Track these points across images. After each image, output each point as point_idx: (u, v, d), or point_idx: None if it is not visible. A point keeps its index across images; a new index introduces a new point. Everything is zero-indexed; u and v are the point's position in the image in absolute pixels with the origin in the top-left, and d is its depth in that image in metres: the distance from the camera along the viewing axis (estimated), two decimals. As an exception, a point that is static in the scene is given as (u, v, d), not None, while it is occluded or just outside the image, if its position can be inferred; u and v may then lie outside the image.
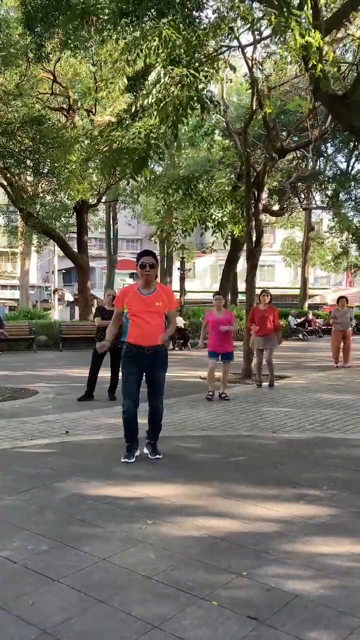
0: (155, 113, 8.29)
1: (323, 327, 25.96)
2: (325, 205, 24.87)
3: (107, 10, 6.80)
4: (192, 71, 6.81)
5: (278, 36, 7.34)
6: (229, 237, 13.22)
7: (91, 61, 16.63)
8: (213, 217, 11.53)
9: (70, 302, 45.06)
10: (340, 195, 21.86)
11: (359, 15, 11.03)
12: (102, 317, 8.07)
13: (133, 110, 9.20)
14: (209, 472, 4.55)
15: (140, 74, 11.60)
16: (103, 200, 24.30)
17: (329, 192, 22.52)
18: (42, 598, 2.57)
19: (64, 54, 13.28)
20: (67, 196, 19.13)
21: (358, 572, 2.85)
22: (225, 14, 7.56)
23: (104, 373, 8.17)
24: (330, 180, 21.46)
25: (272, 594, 2.63)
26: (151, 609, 2.48)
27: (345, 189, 21.04)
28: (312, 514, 3.65)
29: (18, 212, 21.71)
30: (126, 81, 10.02)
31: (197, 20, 7.68)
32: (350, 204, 22.86)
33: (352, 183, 20.84)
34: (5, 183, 18.84)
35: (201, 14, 7.58)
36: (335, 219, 23.90)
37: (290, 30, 7.00)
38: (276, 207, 21.59)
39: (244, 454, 5.15)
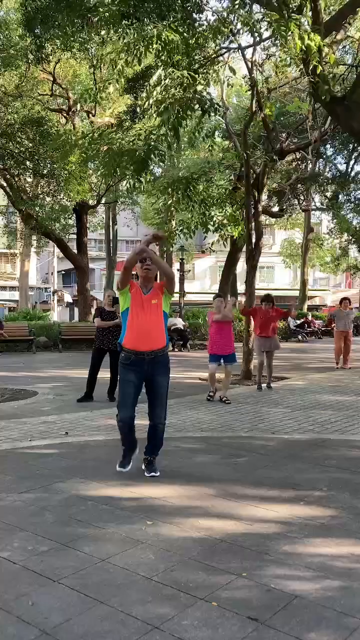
0: (155, 115, 8.31)
1: (322, 329, 25.98)
2: (324, 207, 24.90)
3: (107, 14, 6.80)
4: (191, 73, 6.81)
5: (278, 39, 7.34)
6: (229, 238, 13.22)
7: (91, 62, 16.66)
8: (214, 219, 11.52)
9: (69, 304, 45.07)
10: (340, 196, 21.90)
11: (358, 17, 11.06)
12: (102, 318, 8.07)
13: (133, 112, 9.21)
14: (209, 473, 4.55)
15: (140, 76, 11.64)
16: (102, 201, 24.31)
17: (328, 194, 22.56)
18: (42, 599, 2.57)
19: (64, 55, 13.30)
20: (66, 197, 19.13)
21: (358, 573, 2.85)
22: (225, 16, 7.55)
23: (104, 374, 8.16)
24: (330, 181, 21.48)
25: (272, 595, 2.62)
26: (151, 609, 2.48)
27: (345, 190, 21.06)
28: (312, 515, 3.65)
29: (17, 213, 21.73)
30: (123, 81, 10.03)
31: (197, 23, 7.68)
32: (349, 206, 22.88)
33: (352, 185, 20.86)
34: (4, 184, 18.85)
35: (200, 16, 7.57)
36: (335, 221, 23.92)
37: (290, 33, 7.01)
38: (276, 209, 21.61)
39: (244, 455, 5.14)
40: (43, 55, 11.49)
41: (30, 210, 18.53)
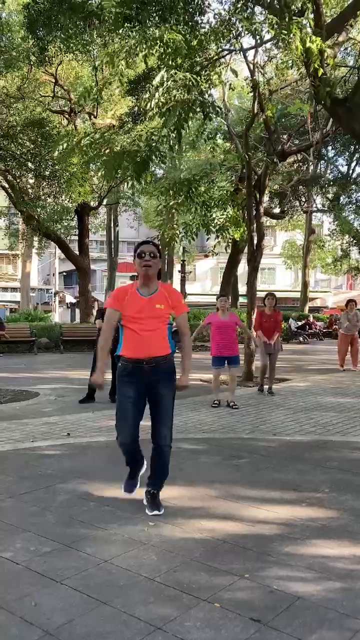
0: (157, 116, 8.33)
1: (324, 330, 25.98)
2: (326, 208, 24.91)
3: (110, 18, 6.82)
4: (194, 75, 6.83)
5: (279, 41, 7.36)
6: (230, 241, 13.25)
7: (93, 64, 16.69)
8: (215, 221, 11.53)
9: (71, 305, 45.12)
10: (341, 198, 21.91)
11: (360, 19, 11.06)
12: (103, 320, 8.07)
13: (135, 113, 9.24)
14: (211, 475, 4.55)
15: (142, 78, 11.66)
16: (104, 202, 24.34)
17: (329, 195, 22.57)
18: (45, 599, 2.58)
19: (66, 57, 13.33)
20: (68, 199, 19.16)
21: (360, 575, 2.86)
22: (227, 18, 7.58)
23: (105, 375, 8.15)
24: (331, 183, 21.51)
25: (274, 596, 2.63)
26: (154, 610, 2.49)
27: (346, 192, 21.08)
28: (313, 516, 3.66)
29: (19, 215, 21.76)
30: (124, 83, 10.06)
31: (199, 25, 7.70)
32: (350, 207, 22.90)
33: (353, 186, 20.87)
34: (6, 185, 18.88)
35: (202, 18, 7.60)
36: (336, 222, 23.93)
37: (291, 36, 7.02)
38: (277, 210, 21.64)
39: (245, 457, 5.15)
40: (45, 58, 11.51)
41: (32, 212, 18.56)
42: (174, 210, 12.10)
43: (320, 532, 3.41)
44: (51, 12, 9.56)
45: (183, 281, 23.64)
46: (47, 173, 18.08)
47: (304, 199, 23.89)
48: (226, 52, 9.81)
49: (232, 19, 7.48)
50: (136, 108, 12.59)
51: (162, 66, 7.44)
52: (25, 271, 37.96)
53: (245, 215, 11.30)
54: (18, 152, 16.78)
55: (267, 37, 9.55)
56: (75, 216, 21.80)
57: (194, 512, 3.70)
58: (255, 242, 11.05)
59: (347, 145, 19.06)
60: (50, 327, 19.35)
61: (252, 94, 10.78)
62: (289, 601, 2.59)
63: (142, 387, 3.68)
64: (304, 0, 7.64)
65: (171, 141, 8.51)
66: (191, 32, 7.68)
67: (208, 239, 12.88)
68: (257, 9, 8.71)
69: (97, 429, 6.30)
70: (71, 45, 8.82)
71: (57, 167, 16.85)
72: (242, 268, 19.83)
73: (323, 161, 20.72)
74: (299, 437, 6.00)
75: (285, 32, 7.33)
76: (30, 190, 19.37)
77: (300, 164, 20.17)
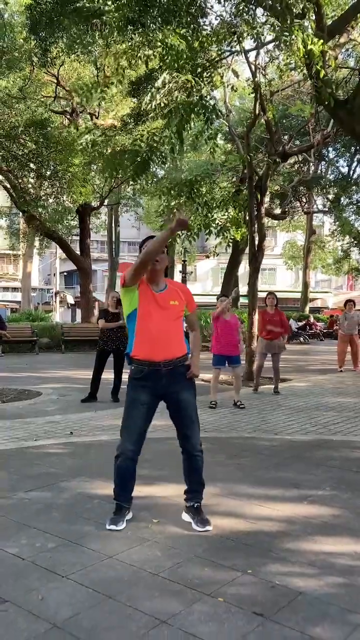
0: (159, 118, 8.39)
1: (324, 331, 26.03)
2: (326, 209, 24.97)
3: (113, 21, 6.86)
4: (195, 78, 6.88)
5: (281, 43, 7.41)
6: (231, 241, 13.29)
7: (95, 65, 16.74)
8: (216, 221, 11.57)
9: (71, 305, 45.18)
10: (342, 199, 21.96)
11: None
12: (105, 320, 8.12)
13: (136, 114, 9.29)
14: (213, 473, 4.58)
15: (143, 79, 11.71)
16: (105, 203, 24.39)
17: (330, 196, 22.63)
18: (51, 594, 2.62)
19: (69, 57, 13.37)
20: (69, 199, 19.21)
21: (361, 571, 2.90)
22: (229, 21, 7.63)
23: (108, 375, 8.22)
24: (332, 184, 21.57)
25: (276, 591, 2.67)
26: (158, 604, 2.53)
27: (347, 193, 21.13)
28: (315, 514, 3.70)
29: (20, 215, 21.81)
30: (127, 84, 10.12)
31: (201, 27, 7.75)
32: (351, 208, 22.95)
33: (354, 187, 20.92)
34: (8, 186, 18.93)
35: (205, 20, 7.65)
36: (337, 223, 23.97)
37: (293, 38, 7.07)
38: (278, 211, 21.68)
39: (247, 455, 5.19)
40: (49, 59, 11.55)
41: (33, 212, 18.61)
42: (175, 211, 12.15)
43: (321, 529, 3.46)
44: (53, 13, 9.60)
45: (184, 281, 23.68)
46: (48, 173, 18.13)
47: (304, 200, 23.95)
48: (228, 53, 9.87)
49: (234, 20, 7.54)
50: (138, 109, 12.62)
51: (164, 67, 7.50)
52: (26, 271, 37.98)
53: (246, 216, 11.35)
54: (20, 153, 16.82)
55: (269, 38, 9.62)
56: (77, 216, 21.86)
57: (196, 510, 3.73)
58: (256, 242, 11.10)
59: (348, 147, 19.12)
60: (52, 327, 19.41)
61: (253, 95, 10.84)
62: (291, 596, 2.63)
63: (158, 392, 3.48)
64: (305, 3, 7.67)
65: (173, 143, 8.55)
66: (193, 34, 7.73)
67: (207, 239, 12.92)
68: (259, 10, 8.77)
69: (100, 427, 6.34)
70: (74, 46, 8.85)
71: (59, 167, 16.90)
72: (243, 268, 19.88)
73: (324, 162, 20.77)
74: (300, 437, 6.04)
75: (287, 34, 7.38)
76: (31, 191, 19.42)
77: (301, 164, 20.22)
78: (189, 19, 7.44)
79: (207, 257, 12.94)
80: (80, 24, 7.65)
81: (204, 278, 46.24)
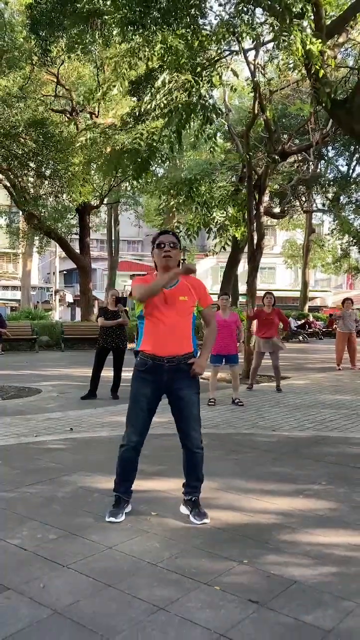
0: (159, 117, 8.45)
1: (323, 330, 26.11)
2: (326, 208, 25.02)
3: (113, 22, 6.93)
4: (195, 77, 6.94)
5: (280, 43, 7.47)
6: (229, 240, 13.35)
7: (95, 63, 16.81)
8: (216, 220, 11.64)
9: (71, 303, 45.26)
10: (341, 198, 22.02)
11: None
12: (105, 318, 8.19)
13: (136, 113, 9.35)
14: (211, 468, 4.63)
15: (143, 78, 11.76)
16: (105, 201, 24.44)
17: (329, 195, 22.67)
18: (52, 582, 2.69)
19: (69, 57, 13.42)
20: (69, 198, 19.28)
21: (355, 561, 2.97)
22: (228, 21, 7.68)
23: (107, 372, 8.29)
24: (331, 183, 21.63)
25: (272, 580, 2.74)
26: (157, 592, 2.60)
27: (346, 192, 21.20)
28: (311, 507, 3.77)
29: (20, 214, 21.87)
30: (127, 84, 10.18)
31: (200, 27, 7.81)
32: (351, 207, 23.02)
33: (353, 186, 20.98)
34: (8, 184, 18.99)
35: (204, 20, 7.71)
36: (336, 222, 24.03)
37: (292, 38, 7.13)
38: (277, 210, 21.74)
39: (245, 451, 5.26)
40: (48, 58, 11.61)
41: (33, 211, 18.68)
42: (174, 210, 12.22)
43: (317, 521, 3.53)
44: (54, 13, 9.66)
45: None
46: (48, 172, 18.20)
47: (304, 199, 24.00)
48: (227, 52, 9.93)
49: (234, 21, 7.59)
50: (137, 108, 12.69)
51: (164, 67, 7.56)
52: (25, 270, 38.07)
53: (246, 214, 11.41)
54: (20, 152, 16.88)
55: (268, 37, 9.68)
56: (76, 215, 21.93)
57: (194, 503, 3.80)
58: (255, 241, 11.16)
59: (347, 146, 19.17)
60: (51, 326, 19.47)
61: (252, 94, 10.90)
62: (286, 585, 2.70)
63: (161, 387, 3.52)
64: (304, 3, 7.73)
65: (171, 142, 8.62)
66: (193, 34, 7.79)
67: (208, 237, 12.99)
68: (258, 10, 8.83)
69: (100, 424, 6.41)
70: (74, 47, 8.91)
71: (59, 167, 16.96)
72: (242, 267, 19.94)
73: (323, 161, 20.82)
74: (297, 433, 6.12)
75: (286, 34, 7.45)
76: (31, 190, 19.49)
77: (301, 163, 20.27)
78: (188, 20, 7.49)
79: (207, 255, 13.01)
80: (81, 24, 7.70)
81: (204, 277, 46.26)
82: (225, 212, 11.72)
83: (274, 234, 42.17)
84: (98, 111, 19.57)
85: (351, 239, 24.80)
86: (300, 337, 23.71)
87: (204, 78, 8.11)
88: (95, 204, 22.83)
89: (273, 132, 11.95)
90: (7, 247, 32.52)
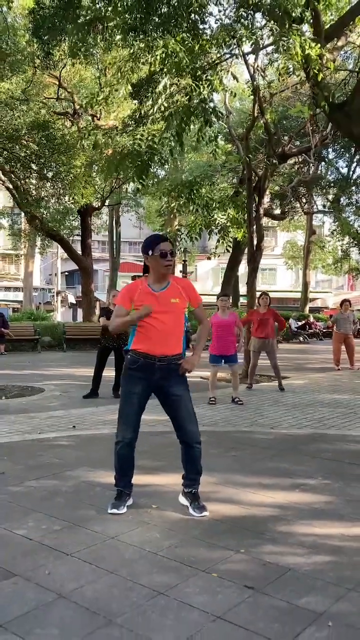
0: (160, 120, 8.58)
1: (324, 330, 26.21)
2: (326, 210, 25.14)
3: (115, 24, 7.06)
4: (195, 82, 7.07)
5: (280, 47, 7.60)
6: (230, 242, 13.47)
7: (96, 66, 16.93)
8: (217, 222, 11.76)
9: (72, 304, 45.38)
10: (342, 199, 22.13)
11: (359, 24, 11.28)
12: (107, 318, 8.31)
13: (137, 116, 9.49)
14: (210, 464, 4.75)
15: (145, 81, 11.89)
16: (106, 203, 24.58)
17: (330, 197, 22.80)
18: (57, 569, 2.81)
19: (71, 61, 13.56)
20: (71, 200, 19.41)
21: (347, 550, 3.09)
22: (229, 25, 7.81)
23: (109, 372, 8.42)
24: (332, 184, 21.75)
25: (267, 568, 2.86)
26: (157, 578, 2.73)
27: (346, 193, 21.31)
28: (307, 501, 3.89)
29: (23, 215, 22.02)
30: (130, 88, 10.30)
31: (201, 31, 7.94)
32: (351, 208, 23.13)
33: (353, 188, 21.10)
34: (11, 186, 19.14)
35: (205, 25, 7.84)
36: (337, 223, 24.15)
37: (291, 42, 7.26)
38: (278, 211, 21.86)
39: (244, 448, 5.38)
40: (51, 62, 11.74)
41: (35, 213, 18.81)
42: (175, 211, 12.35)
43: (312, 514, 3.65)
44: (56, 17, 9.79)
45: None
46: (50, 175, 18.33)
47: (304, 200, 24.12)
48: (227, 55, 10.06)
49: (234, 25, 7.71)
50: (139, 111, 12.84)
51: (165, 71, 7.68)
52: (27, 271, 38.20)
53: (246, 216, 11.54)
54: (22, 154, 17.02)
55: (268, 41, 9.81)
56: (78, 217, 22.07)
57: (194, 497, 3.92)
58: (255, 242, 11.29)
59: (347, 147, 19.29)
60: (54, 326, 19.61)
61: (252, 96, 11.02)
62: (281, 572, 2.82)
63: (151, 385, 3.65)
64: (303, 8, 7.86)
65: (172, 145, 8.74)
66: (193, 38, 7.91)
67: (209, 238, 13.13)
68: (258, 15, 8.95)
69: (102, 422, 6.54)
70: (77, 53, 9.04)
71: (61, 169, 17.10)
72: (243, 268, 20.03)
73: (323, 163, 20.94)
74: (295, 431, 6.23)
75: (285, 38, 7.57)
76: (34, 192, 19.63)
77: (301, 165, 20.39)
78: (188, 24, 7.61)
79: (209, 258, 13.11)
80: (82, 30, 7.83)
81: (205, 278, 46.41)
82: (226, 214, 11.84)
83: (274, 235, 42.30)
84: (100, 114, 19.71)
85: (351, 240, 24.91)
86: (301, 338, 23.83)
87: (204, 82, 8.24)
88: (96, 206, 22.97)
89: (273, 134, 12.08)
90: (9, 248, 32.70)
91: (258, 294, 10.13)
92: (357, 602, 2.53)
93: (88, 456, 4.99)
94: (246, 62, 10.63)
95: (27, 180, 19.27)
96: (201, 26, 7.47)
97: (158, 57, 7.26)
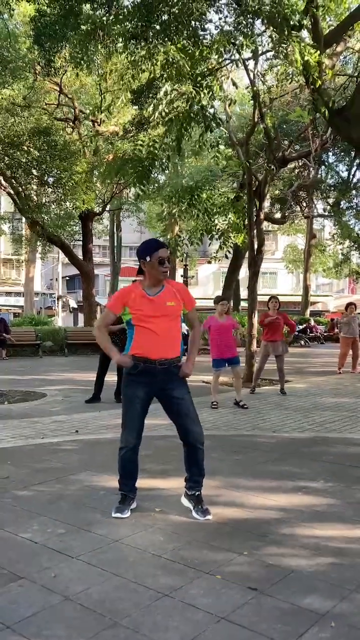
0: (161, 125, 8.65)
1: (324, 334, 26.25)
2: (326, 214, 25.22)
3: (116, 32, 7.13)
4: (196, 88, 7.14)
5: (279, 54, 7.67)
6: (231, 247, 13.54)
7: (97, 72, 17.03)
8: (217, 226, 11.83)
9: (73, 309, 45.45)
10: (342, 203, 22.22)
11: (359, 28, 11.36)
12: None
13: (138, 122, 9.57)
14: (213, 467, 4.79)
15: (145, 87, 11.97)
16: (107, 208, 24.67)
17: (330, 201, 22.89)
18: (63, 572, 2.85)
19: (76, 74, 13.63)
20: (72, 206, 19.50)
21: (349, 552, 3.12)
22: (229, 30, 7.88)
23: (111, 377, 8.45)
24: (332, 188, 21.84)
25: (270, 570, 2.90)
26: (161, 581, 2.76)
27: (346, 197, 21.39)
28: (309, 504, 3.92)
29: (24, 220, 22.11)
30: (129, 95, 10.40)
31: (201, 38, 8.01)
32: (351, 212, 23.22)
33: (353, 192, 21.18)
34: (12, 192, 19.22)
35: (204, 33, 7.91)
36: (337, 227, 24.23)
37: (290, 49, 7.33)
38: (278, 215, 21.94)
39: (246, 452, 5.41)
40: (53, 69, 11.82)
41: (37, 218, 18.89)
42: (176, 217, 12.42)
43: (314, 516, 3.68)
44: (57, 25, 9.87)
45: (185, 285, 23.98)
46: (51, 180, 18.43)
47: (304, 204, 24.20)
48: (228, 61, 10.13)
49: (234, 32, 7.78)
50: (139, 117, 12.93)
51: (166, 78, 7.75)
52: (28, 276, 38.29)
53: (246, 221, 11.59)
54: (24, 160, 17.12)
55: (268, 47, 9.88)
56: (79, 222, 22.16)
57: (197, 500, 3.95)
58: (255, 247, 11.33)
59: (347, 151, 19.37)
60: (55, 331, 19.64)
61: (252, 102, 11.09)
62: (284, 574, 2.85)
63: (152, 389, 3.67)
64: (301, 15, 7.92)
65: (170, 150, 8.81)
66: (194, 45, 7.98)
67: (210, 244, 13.21)
68: (257, 21, 9.02)
69: (104, 426, 6.57)
70: (80, 63, 9.12)
71: (62, 175, 17.19)
72: (244, 272, 20.09)
73: (323, 167, 21.03)
74: (297, 434, 6.26)
75: (285, 45, 7.64)
76: (35, 197, 19.72)
77: (301, 169, 20.49)
78: (189, 31, 7.68)
79: (209, 262, 13.16)
80: (85, 41, 7.90)
81: (205, 282, 46.50)
82: (226, 219, 11.90)
83: (275, 239, 42.38)
84: (100, 119, 19.82)
85: (352, 243, 24.99)
86: (302, 342, 23.85)
87: (204, 88, 8.31)
88: (98, 211, 23.07)
89: (273, 139, 12.14)
90: (10, 253, 32.78)
91: (262, 298, 10.14)
92: (359, 603, 2.56)
93: (91, 460, 5.02)
94: (246, 67, 10.70)
95: (28, 186, 19.36)
96: (201, 33, 7.53)
97: (158, 64, 7.35)
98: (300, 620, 2.42)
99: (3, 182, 19.24)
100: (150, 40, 6.91)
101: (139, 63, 6.91)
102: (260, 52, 8.72)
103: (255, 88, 10.40)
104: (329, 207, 23.95)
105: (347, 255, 28.54)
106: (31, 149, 16.82)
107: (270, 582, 2.75)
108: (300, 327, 25.15)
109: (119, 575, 2.82)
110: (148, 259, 3.61)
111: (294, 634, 2.31)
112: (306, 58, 7.52)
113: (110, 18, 7.11)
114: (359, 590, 2.68)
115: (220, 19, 7.44)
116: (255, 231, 11.30)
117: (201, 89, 7.99)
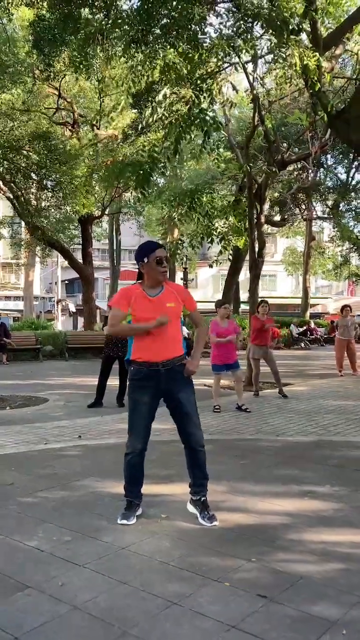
0: (160, 129, 8.67)
1: (325, 336, 26.22)
2: (326, 216, 25.25)
3: (116, 36, 7.14)
4: (196, 92, 7.14)
5: (278, 58, 7.68)
6: (232, 249, 13.54)
7: (96, 77, 17.06)
8: (218, 230, 11.83)
9: (73, 313, 45.42)
10: (341, 205, 22.25)
11: (358, 31, 11.38)
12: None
13: (138, 126, 9.58)
14: (217, 472, 4.76)
15: (144, 91, 11.99)
16: (107, 212, 24.68)
17: (329, 203, 22.91)
18: (70, 580, 2.83)
19: (76, 79, 13.67)
20: (72, 210, 19.50)
21: (357, 558, 3.10)
22: (228, 34, 7.89)
23: (113, 381, 8.43)
24: (331, 191, 21.87)
25: (279, 576, 2.88)
26: (169, 588, 2.74)
27: (346, 199, 21.42)
28: (316, 509, 3.90)
29: (23, 225, 22.11)
30: (130, 100, 10.42)
31: (201, 41, 8.01)
32: (350, 214, 23.25)
33: (352, 194, 21.21)
34: (12, 196, 19.22)
35: (204, 37, 7.92)
36: (336, 229, 24.25)
37: (289, 52, 7.33)
38: (278, 218, 21.96)
39: (250, 456, 5.39)
40: (52, 74, 11.83)
41: (36, 222, 18.89)
42: (176, 220, 12.41)
43: (321, 521, 3.66)
44: (56, 30, 9.88)
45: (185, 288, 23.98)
46: (51, 184, 18.43)
47: (304, 207, 24.23)
48: (227, 64, 10.14)
49: (233, 37, 7.79)
50: (139, 120, 12.95)
51: (165, 81, 7.76)
52: (28, 280, 38.30)
53: (247, 224, 11.59)
54: (23, 164, 17.12)
55: (267, 51, 9.88)
56: (79, 226, 22.16)
57: (203, 506, 3.93)
58: (256, 250, 11.33)
59: (346, 154, 19.42)
60: (55, 335, 19.61)
61: (252, 105, 11.10)
62: (293, 580, 2.83)
63: (158, 391, 3.66)
64: (300, 19, 7.93)
65: (169, 154, 8.81)
66: (193, 49, 7.98)
67: (210, 247, 13.22)
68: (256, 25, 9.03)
69: (107, 431, 6.55)
70: (79, 68, 9.12)
71: (62, 179, 17.19)
72: (244, 275, 20.12)
73: (322, 169, 21.07)
74: (301, 438, 6.24)
75: (284, 48, 7.65)
76: (34, 202, 19.71)
77: (300, 172, 20.49)
78: (189, 35, 7.68)
79: (210, 266, 13.15)
80: (84, 46, 7.91)
81: (205, 285, 46.50)
82: (226, 222, 11.90)
83: (274, 241, 42.34)
84: (99, 124, 19.84)
85: (351, 245, 25.01)
86: (302, 344, 23.83)
87: (204, 92, 8.32)
88: (97, 215, 23.07)
89: (272, 142, 12.15)
90: (9, 257, 32.77)
91: (268, 300, 10.16)
92: (369, 610, 2.54)
93: (95, 466, 5.00)
94: (245, 70, 10.71)
95: (27, 190, 19.35)
96: (201, 37, 7.54)
97: (157, 68, 7.35)
98: (311, 628, 2.40)
99: (2, 186, 19.25)
100: (151, 44, 6.91)
101: (138, 67, 6.91)
102: (259, 55, 8.72)
103: (254, 91, 10.40)
104: (328, 210, 23.98)
105: (346, 257, 28.57)
106: (30, 153, 16.82)
107: (280, 589, 2.73)
108: (301, 329, 25.14)
109: (127, 583, 2.80)
110: (146, 260, 3.63)
111: (305, 642, 2.29)
112: (305, 62, 7.52)
113: (109, 22, 7.10)
114: (369, 596, 2.66)
115: (220, 23, 7.44)
116: (256, 234, 11.30)
117: (201, 92, 8.01)
